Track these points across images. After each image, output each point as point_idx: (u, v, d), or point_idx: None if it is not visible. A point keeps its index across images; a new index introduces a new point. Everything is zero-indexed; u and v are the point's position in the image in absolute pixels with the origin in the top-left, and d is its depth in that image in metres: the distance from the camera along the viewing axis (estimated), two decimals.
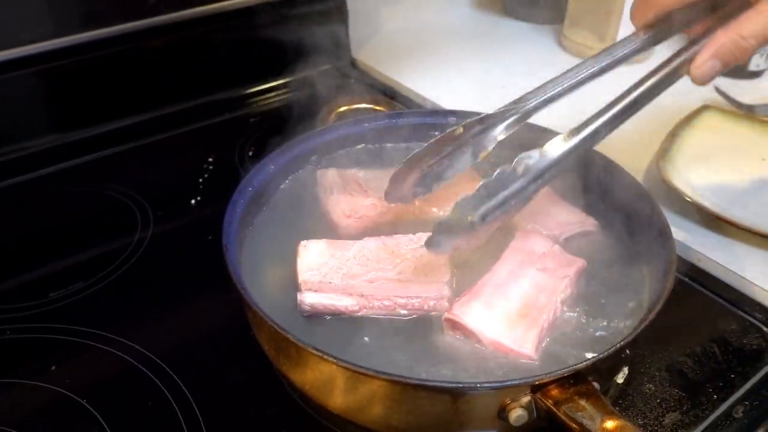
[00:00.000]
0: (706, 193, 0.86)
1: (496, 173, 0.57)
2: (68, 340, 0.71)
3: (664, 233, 0.65)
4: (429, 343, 0.60)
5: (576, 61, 0.65)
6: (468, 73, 1.23)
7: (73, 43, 0.97)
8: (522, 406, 0.51)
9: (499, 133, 0.65)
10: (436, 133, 0.86)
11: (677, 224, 0.84)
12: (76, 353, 0.69)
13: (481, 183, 0.57)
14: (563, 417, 0.49)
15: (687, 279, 0.78)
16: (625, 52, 0.64)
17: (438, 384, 0.51)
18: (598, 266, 0.69)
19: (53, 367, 0.67)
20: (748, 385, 0.65)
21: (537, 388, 0.51)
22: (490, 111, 0.72)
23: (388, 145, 0.86)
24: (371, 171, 0.82)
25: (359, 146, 0.85)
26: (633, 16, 0.63)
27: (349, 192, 0.77)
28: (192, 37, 1.08)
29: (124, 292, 0.77)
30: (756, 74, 1.19)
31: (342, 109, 0.90)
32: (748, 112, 1.07)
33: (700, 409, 0.63)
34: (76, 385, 0.66)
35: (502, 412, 0.52)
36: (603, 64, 0.64)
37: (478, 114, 0.65)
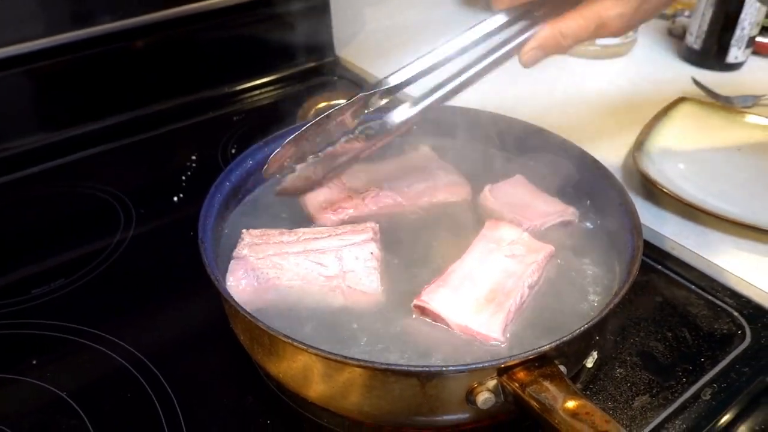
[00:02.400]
0: (680, 183, 0.88)
1: (339, 142, 0.66)
2: (50, 335, 0.72)
3: (632, 219, 0.66)
4: (400, 329, 0.61)
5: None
6: (451, 70, 1.24)
7: (56, 43, 0.98)
8: (489, 390, 0.52)
9: (371, 107, 0.68)
10: (414, 127, 0.89)
11: (653, 213, 0.86)
12: (58, 349, 0.70)
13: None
14: (527, 398, 0.50)
15: (660, 267, 0.79)
16: (486, 31, 0.65)
17: (405, 368, 0.52)
18: (574, 253, 0.70)
19: (34, 362, 0.69)
20: (717, 369, 0.66)
21: (503, 371, 0.52)
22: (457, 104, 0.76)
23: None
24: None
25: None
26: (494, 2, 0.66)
27: (328, 185, 0.78)
28: (176, 37, 1.09)
29: (107, 288, 0.78)
30: (733, 66, 1.21)
31: (321, 105, 0.91)
32: (725, 104, 1.08)
33: (670, 392, 0.64)
34: (57, 379, 0.67)
35: (470, 396, 0.53)
36: (467, 42, 0.65)
37: None
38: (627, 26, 0.61)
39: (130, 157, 1.03)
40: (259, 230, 0.70)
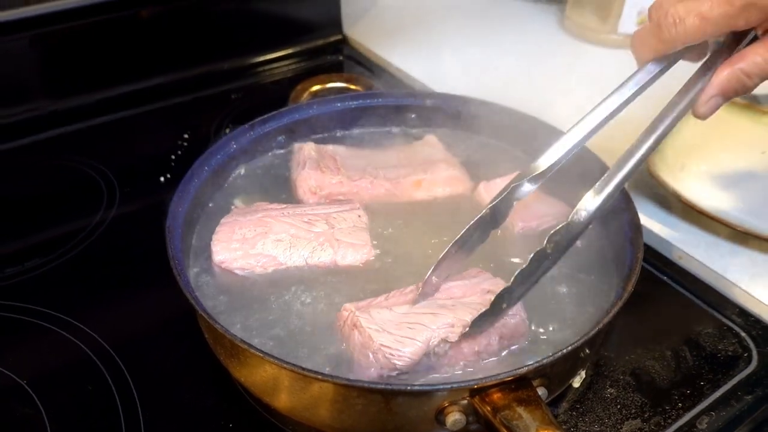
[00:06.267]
0: (694, 188, 0.82)
1: (529, 258, 0.54)
2: (17, 318, 0.69)
3: (634, 228, 0.61)
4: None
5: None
6: (462, 54, 1.19)
7: (46, 11, 0.95)
8: (460, 411, 0.49)
9: (522, 195, 0.60)
10: (413, 116, 0.84)
11: (662, 219, 0.80)
12: (23, 333, 0.68)
13: (517, 272, 0.54)
14: (497, 425, 0.46)
15: (665, 278, 0.74)
16: (634, 90, 0.59)
17: (367, 385, 0.48)
18: (570, 261, 0.65)
19: None
20: (717, 394, 0.61)
21: (476, 392, 0.48)
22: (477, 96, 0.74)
23: (360, 127, 0.83)
24: (351, 149, 0.80)
25: (329, 126, 0.82)
26: (635, 52, 0.58)
27: (322, 168, 0.74)
28: (172, 10, 1.04)
29: (82, 271, 0.76)
30: None
31: (315, 88, 0.87)
32: (751, 102, 1.01)
33: (663, 417, 0.59)
34: (18, 365, 0.64)
35: (440, 416, 0.49)
36: (615, 106, 0.59)
37: None
38: None
39: (119, 133, 0.99)
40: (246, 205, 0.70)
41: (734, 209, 0.79)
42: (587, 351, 0.56)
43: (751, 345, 0.66)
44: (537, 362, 0.48)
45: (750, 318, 0.69)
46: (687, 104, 0.56)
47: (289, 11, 1.15)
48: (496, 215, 0.60)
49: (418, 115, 0.84)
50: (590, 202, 0.54)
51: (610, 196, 0.55)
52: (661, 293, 0.72)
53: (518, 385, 0.48)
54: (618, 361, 0.64)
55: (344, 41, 1.23)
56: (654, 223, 0.79)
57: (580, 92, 1.08)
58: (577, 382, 0.61)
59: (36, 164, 0.93)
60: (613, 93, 0.58)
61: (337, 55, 1.21)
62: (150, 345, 0.67)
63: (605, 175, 0.55)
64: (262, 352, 0.48)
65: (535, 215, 0.69)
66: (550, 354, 0.49)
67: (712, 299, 0.71)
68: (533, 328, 0.59)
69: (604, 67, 1.15)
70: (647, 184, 0.84)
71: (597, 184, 0.55)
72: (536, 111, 0.78)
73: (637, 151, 0.55)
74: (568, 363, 0.54)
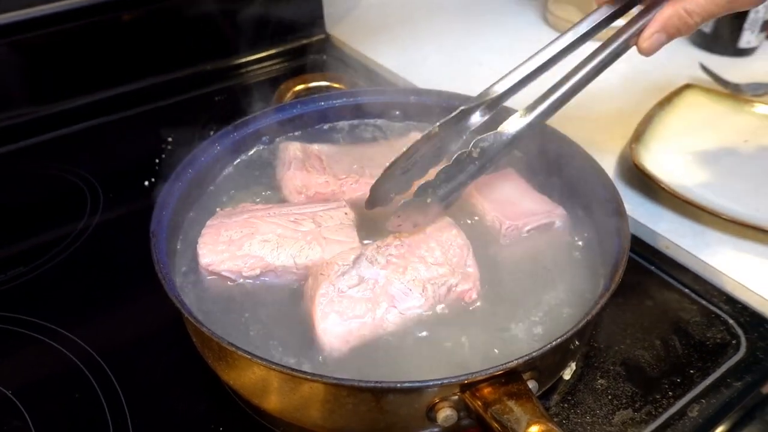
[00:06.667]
0: (679, 177, 0.82)
1: (453, 158, 0.59)
2: (2, 328, 0.68)
3: (620, 220, 0.61)
4: None
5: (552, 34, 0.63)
6: (446, 50, 1.19)
7: (26, 17, 0.94)
8: (451, 406, 0.48)
9: (472, 124, 0.64)
10: (397, 112, 0.84)
11: (648, 209, 0.80)
12: (8, 343, 0.67)
13: (440, 168, 0.59)
14: (489, 420, 0.46)
15: (653, 267, 0.74)
16: (588, 29, 0.63)
17: (356, 383, 0.48)
18: (558, 254, 0.66)
19: None
20: (707, 382, 0.62)
21: (466, 387, 0.48)
22: (460, 91, 0.77)
23: (344, 123, 0.83)
24: (336, 147, 0.79)
25: (313, 125, 0.81)
26: None
27: (308, 168, 0.74)
28: (153, 12, 1.03)
29: (67, 278, 0.75)
30: (745, 51, 1.14)
31: (299, 87, 0.86)
32: (734, 92, 1.02)
33: (654, 406, 0.59)
34: (4, 375, 0.63)
35: (431, 413, 0.49)
36: (568, 42, 0.62)
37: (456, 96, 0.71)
38: None
39: (102, 138, 0.98)
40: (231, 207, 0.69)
41: (719, 197, 0.79)
42: (577, 343, 0.56)
43: (740, 332, 0.66)
44: (527, 355, 0.48)
45: (737, 305, 0.69)
46: (624, 40, 0.59)
47: (271, 11, 1.15)
48: (445, 139, 0.63)
49: (402, 112, 0.83)
50: (520, 120, 0.60)
51: (538, 117, 0.60)
52: (648, 283, 0.72)
53: (508, 379, 0.48)
54: (608, 351, 0.65)
55: (327, 40, 1.23)
56: (640, 213, 0.79)
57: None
58: (567, 374, 0.61)
59: (18, 172, 0.92)
60: (568, 31, 0.62)
61: (321, 55, 1.20)
62: (138, 352, 0.66)
63: (534, 100, 0.60)
64: (249, 353, 0.48)
65: (522, 213, 0.68)
66: (539, 347, 0.49)
67: (700, 287, 0.71)
68: (520, 320, 0.58)
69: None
70: (632, 174, 0.84)
71: (531, 102, 0.60)
72: (521, 105, 0.78)
73: (573, 76, 0.59)
74: (557, 355, 0.54)
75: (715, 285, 0.71)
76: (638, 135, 0.88)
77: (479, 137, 0.59)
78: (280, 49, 1.19)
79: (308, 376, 0.47)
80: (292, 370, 0.47)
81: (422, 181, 0.61)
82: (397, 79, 1.10)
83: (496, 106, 0.63)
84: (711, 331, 0.67)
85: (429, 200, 0.61)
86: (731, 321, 0.67)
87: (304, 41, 1.21)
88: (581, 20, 0.63)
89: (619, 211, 0.62)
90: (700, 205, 0.75)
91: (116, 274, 0.75)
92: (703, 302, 0.70)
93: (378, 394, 0.48)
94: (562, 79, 0.60)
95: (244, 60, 1.15)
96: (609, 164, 0.87)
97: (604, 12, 0.62)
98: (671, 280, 0.72)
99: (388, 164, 0.63)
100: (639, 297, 0.70)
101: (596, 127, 0.93)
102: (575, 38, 0.62)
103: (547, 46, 0.62)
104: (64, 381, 0.63)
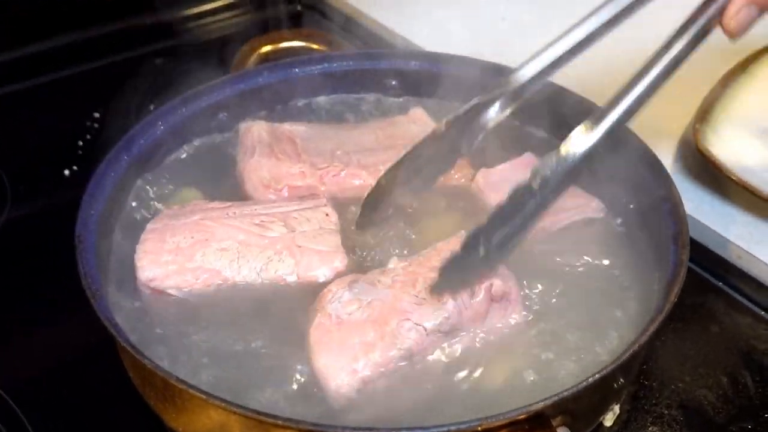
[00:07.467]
0: (756, 169, 0.84)
1: (509, 192, 0.57)
2: None
3: (678, 224, 0.63)
4: None
5: None
6: (460, 3, 1.20)
7: None
8: None
9: (490, 119, 0.65)
10: (394, 82, 0.86)
11: (717, 209, 0.83)
12: None
13: (494, 209, 0.57)
14: None
15: (721, 283, 0.77)
16: (617, 11, 0.63)
17: (341, 429, 0.50)
18: (599, 263, 0.68)
19: None
20: None
21: None
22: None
23: (325, 98, 0.85)
24: (314, 128, 0.81)
25: (284, 99, 0.83)
26: None
27: (277, 154, 0.75)
28: None
29: None
30: None
31: (266, 49, 0.88)
32: None
33: None
34: None
35: None
36: (610, 16, 0.62)
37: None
38: None
39: (7, 112, 1.00)
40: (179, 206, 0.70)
41: None
42: (621, 380, 0.58)
43: None
44: (556, 395, 0.50)
45: None
46: (705, 23, 0.58)
47: None
48: (456, 140, 0.63)
49: (401, 82, 0.85)
50: (587, 136, 0.57)
51: (615, 123, 0.57)
52: (714, 303, 0.75)
53: (533, 425, 0.50)
54: (662, 391, 0.67)
55: None
56: (705, 213, 0.82)
57: (609, 45, 1.10)
58: (609, 420, 0.63)
59: None
60: (595, 11, 0.62)
61: (294, 5, 1.22)
62: (55, 387, 0.68)
63: (602, 107, 0.58)
64: (205, 393, 0.49)
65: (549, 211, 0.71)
66: (572, 385, 0.51)
67: None
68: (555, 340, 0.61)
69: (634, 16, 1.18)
70: (695, 162, 0.87)
71: (597, 111, 0.58)
72: (556, 74, 0.80)
73: (644, 77, 0.58)
74: (596, 395, 0.56)
75: None
76: (704, 113, 0.90)
77: (538, 163, 0.57)
78: None
79: (280, 421, 0.48)
80: (260, 413, 0.49)
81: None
82: (395, 38, 1.12)
83: (520, 96, 0.63)
84: None
85: (482, 251, 0.58)
86: None
87: None
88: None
89: (677, 211, 0.64)
90: None
91: (27, 286, 0.77)
92: None
93: None
94: (632, 80, 0.59)
95: (192, 12, 1.17)
96: (665, 151, 0.89)
97: None
98: (744, 300, 0.75)
99: (384, 170, 0.64)
100: (702, 321, 0.73)
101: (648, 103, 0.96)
102: (625, 5, 0.62)
103: (571, 29, 0.62)
104: None
